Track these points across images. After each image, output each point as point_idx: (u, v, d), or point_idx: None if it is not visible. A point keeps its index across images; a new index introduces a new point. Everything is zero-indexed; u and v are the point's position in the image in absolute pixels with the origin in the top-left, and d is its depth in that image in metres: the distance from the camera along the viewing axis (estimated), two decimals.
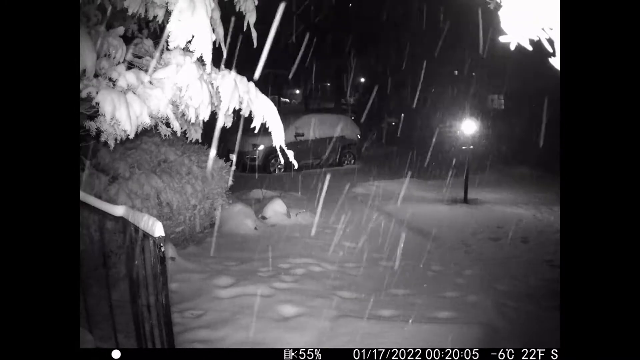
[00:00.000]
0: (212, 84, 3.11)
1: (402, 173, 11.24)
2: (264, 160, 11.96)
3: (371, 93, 18.37)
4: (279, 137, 3.27)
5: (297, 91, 34.14)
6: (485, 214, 7.70)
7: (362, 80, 29.28)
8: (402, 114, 19.07)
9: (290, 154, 3.25)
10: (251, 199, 7.99)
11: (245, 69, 3.45)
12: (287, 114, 13.49)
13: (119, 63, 3.02)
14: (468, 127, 8.54)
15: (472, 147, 8.60)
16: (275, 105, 3.42)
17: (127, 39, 3.49)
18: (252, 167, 11.59)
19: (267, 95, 3.39)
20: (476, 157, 9.52)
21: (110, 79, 2.91)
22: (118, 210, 2.45)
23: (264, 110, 3.23)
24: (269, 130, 3.31)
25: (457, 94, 16.11)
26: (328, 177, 7.56)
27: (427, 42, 17.02)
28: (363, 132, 15.24)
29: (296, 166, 3.41)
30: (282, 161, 3.38)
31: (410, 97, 18.01)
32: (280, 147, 3.25)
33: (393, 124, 20.39)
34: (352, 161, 14.00)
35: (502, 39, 0.93)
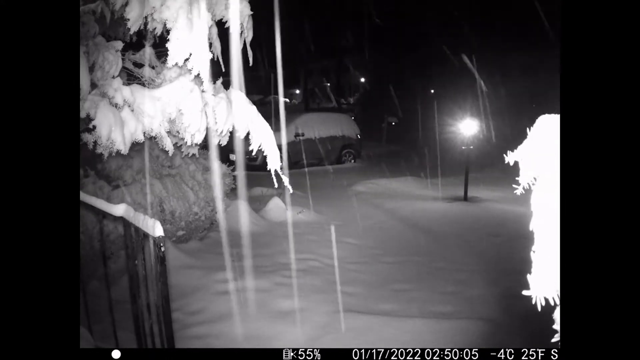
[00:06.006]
0: (207, 103, 3.17)
1: (403, 172, 11.25)
2: (264, 159, 11.98)
3: (371, 93, 18.41)
4: (274, 163, 3.38)
5: (297, 91, 34.15)
6: (486, 211, 7.69)
7: (362, 80, 29.29)
8: (403, 114, 19.08)
9: (286, 179, 3.39)
10: (251, 197, 7.99)
11: (245, 71, 3.49)
12: (287, 113, 13.49)
13: (113, 77, 3.06)
14: (468, 127, 8.54)
15: (471, 147, 8.60)
16: (274, 105, 3.54)
17: (128, 45, 3.52)
18: (252, 167, 11.60)
19: (272, 94, 3.51)
20: (476, 156, 9.52)
21: (106, 94, 2.96)
22: (118, 210, 2.45)
23: (262, 137, 3.34)
24: (264, 154, 3.42)
25: (458, 94, 16.12)
26: (328, 176, 7.56)
27: (426, 44, 17.03)
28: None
29: (291, 191, 3.55)
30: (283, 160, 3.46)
31: (411, 97, 18.02)
32: (275, 172, 3.37)
33: (393, 123, 20.42)
34: (353, 160, 14.01)
35: (525, 292, 0.97)
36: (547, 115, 0.97)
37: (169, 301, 2.19)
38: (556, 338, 0.95)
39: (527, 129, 0.99)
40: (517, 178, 1.00)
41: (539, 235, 0.95)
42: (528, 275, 0.93)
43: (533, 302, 0.92)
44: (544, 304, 0.93)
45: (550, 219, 0.94)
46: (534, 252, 0.94)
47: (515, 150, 1.00)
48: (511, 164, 1.01)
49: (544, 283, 0.92)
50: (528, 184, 0.99)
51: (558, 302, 0.94)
